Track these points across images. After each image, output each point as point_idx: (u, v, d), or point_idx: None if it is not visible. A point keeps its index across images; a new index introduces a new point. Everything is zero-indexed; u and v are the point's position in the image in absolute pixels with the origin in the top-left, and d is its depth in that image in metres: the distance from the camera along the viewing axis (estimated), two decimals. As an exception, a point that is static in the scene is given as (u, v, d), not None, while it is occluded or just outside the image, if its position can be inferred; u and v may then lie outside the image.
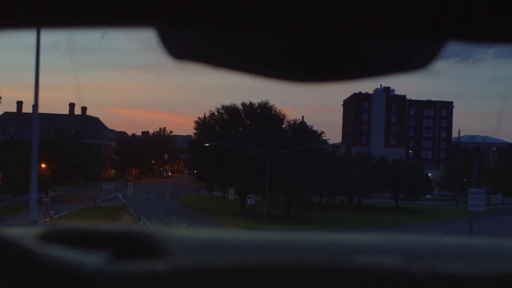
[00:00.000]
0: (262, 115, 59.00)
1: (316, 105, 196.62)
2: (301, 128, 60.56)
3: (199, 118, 61.39)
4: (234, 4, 0.68)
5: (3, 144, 63.12)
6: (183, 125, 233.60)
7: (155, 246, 0.94)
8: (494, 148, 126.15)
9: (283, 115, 61.17)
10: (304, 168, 49.32)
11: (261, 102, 60.63)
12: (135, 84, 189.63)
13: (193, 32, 0.75)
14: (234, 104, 61.30)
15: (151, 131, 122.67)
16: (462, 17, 0.69)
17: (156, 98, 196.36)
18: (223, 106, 60.91)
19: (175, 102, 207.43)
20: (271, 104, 61.03)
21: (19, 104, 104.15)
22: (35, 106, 25.04)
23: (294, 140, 54.71)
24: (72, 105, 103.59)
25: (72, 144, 66.88)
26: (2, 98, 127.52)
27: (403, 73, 0.79)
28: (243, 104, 60.84)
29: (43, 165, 57.69)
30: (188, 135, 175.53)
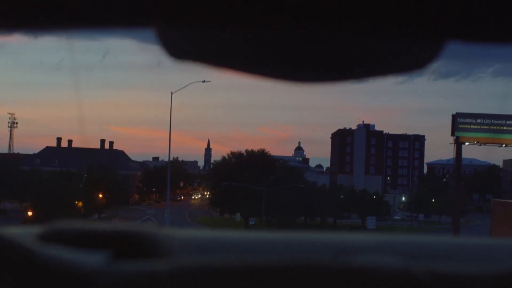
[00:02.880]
0: (260, 160, 79.80)
1: (316, 123, 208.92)
2: (288, 168, 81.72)
3: (214, 161, 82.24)
4: (234, 4, 0.68)
5: (58, 176, 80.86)
6: (185, 144, 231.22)
7: (155, 246, 0.93)
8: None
9: (276, 159, 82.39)
10: (289, 199, 69.85)
11: (259, 149, 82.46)
12: (135, 102, 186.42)
13: (193, 32, 0.74)
14: (240, 151, 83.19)
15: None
16: (462, 17, 0.69)
17: (156, 117, 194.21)
18: (231, 152, 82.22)
19: (176, 121, 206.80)
20: (267, 150, 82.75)
21: (59, 140, 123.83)
22: (169, 161, 41.15)
23: (283, 178, 75.08)
24: (103, 141, 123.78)
25: (114, 176, 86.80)
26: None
27: (403, 73, 0.79)
28: (246, 151, 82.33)
29: (100, 195, 77.60)
30: (195, 161, 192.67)
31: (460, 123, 57.69)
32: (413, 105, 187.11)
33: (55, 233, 0.92)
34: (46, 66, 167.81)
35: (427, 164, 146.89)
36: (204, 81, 45.85)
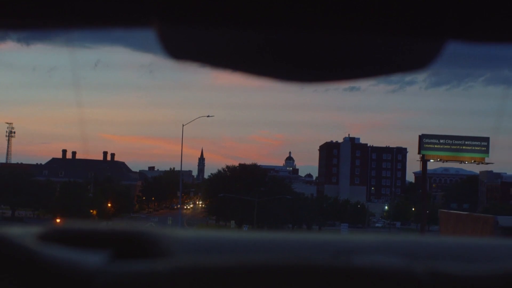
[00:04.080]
0: (252, 173, 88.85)
1: (307, 132, 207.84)
2: (277, 180, 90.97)
3: (211, 174, 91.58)
4: (234, 4, 0.68)
5: (68, 186, 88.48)
6: (176, 151, 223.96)
7: (155, 246, 0.92)
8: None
9: (267, 171, 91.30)
10: (278, 208, 78.83)
11: (252, 163, 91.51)
12: (127, 110, 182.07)
13: (193, 32, 0.74)
14: (234, 165, 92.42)
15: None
16: (462, 16, 0.69)
17: (149, 125, 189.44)
18: (227, 166, 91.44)
19: (166, 128, 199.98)
20: (258, 164, 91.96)
21: (64, 152, 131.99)
22: (180, 171, 47.92)
23: (272, 189, 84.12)
24: (105, 153, 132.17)
25: (119, 186, 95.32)
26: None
27: (403, 72, 0.79)
28: (239, 164, 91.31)
29: (109, 205, 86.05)
30: (189, 170, 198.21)
31: (425, 143, 66.77)
32: (404, 113, 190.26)
33: (55, 233, 0.92)
34: (38, 73, 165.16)
35: (415, 173, 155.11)
36: (208, 116, 54.82)
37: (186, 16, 0.70)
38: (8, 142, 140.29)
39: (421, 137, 66.94)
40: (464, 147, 66.14)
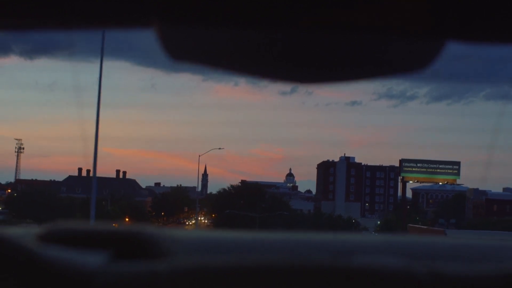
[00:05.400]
0: (254, 190, 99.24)
1: (308, 146, 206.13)
2: (276, 197, 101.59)
3: (217, 191, 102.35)
4: (234, 4, 0.68)
5: (89, 202, 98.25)
6: (179, 166, 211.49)
7: (155, 246, 0.92)
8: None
9: (267, 188, 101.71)
10: (277, 223, 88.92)
11: (253, 181, 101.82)
12: (129, 124, 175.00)
13: (193, 32, 0.74)
14: (238, 184, 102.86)
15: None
16: (462, 16, 0.69)
17: (150, 138, 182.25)
18: (231, 185, 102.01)
19: (169, 142, 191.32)
20: (260, 178, 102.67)
21: (80, 169, 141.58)
22: (199, 188, 58.51)
23: (272, 205, 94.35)
24: (118, 171, 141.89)
25: (133, 203, 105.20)
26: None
27: (404, 73, 0.78)
28: (242, 181, 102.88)
29: (126, 219, 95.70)
30: (194, 186, 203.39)
31: (405, 166, 76.89)
32: (405, 128, 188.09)
33: (55, 233, 0.92)
34: (41, 87, 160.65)
35: (412, 189, 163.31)
36: (220, 148, 65.14)
37: (186, 16, 0.70)
38: (17, 158, 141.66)
39: (401, 161, 76.98)
40: (438, 170, 76.19)
